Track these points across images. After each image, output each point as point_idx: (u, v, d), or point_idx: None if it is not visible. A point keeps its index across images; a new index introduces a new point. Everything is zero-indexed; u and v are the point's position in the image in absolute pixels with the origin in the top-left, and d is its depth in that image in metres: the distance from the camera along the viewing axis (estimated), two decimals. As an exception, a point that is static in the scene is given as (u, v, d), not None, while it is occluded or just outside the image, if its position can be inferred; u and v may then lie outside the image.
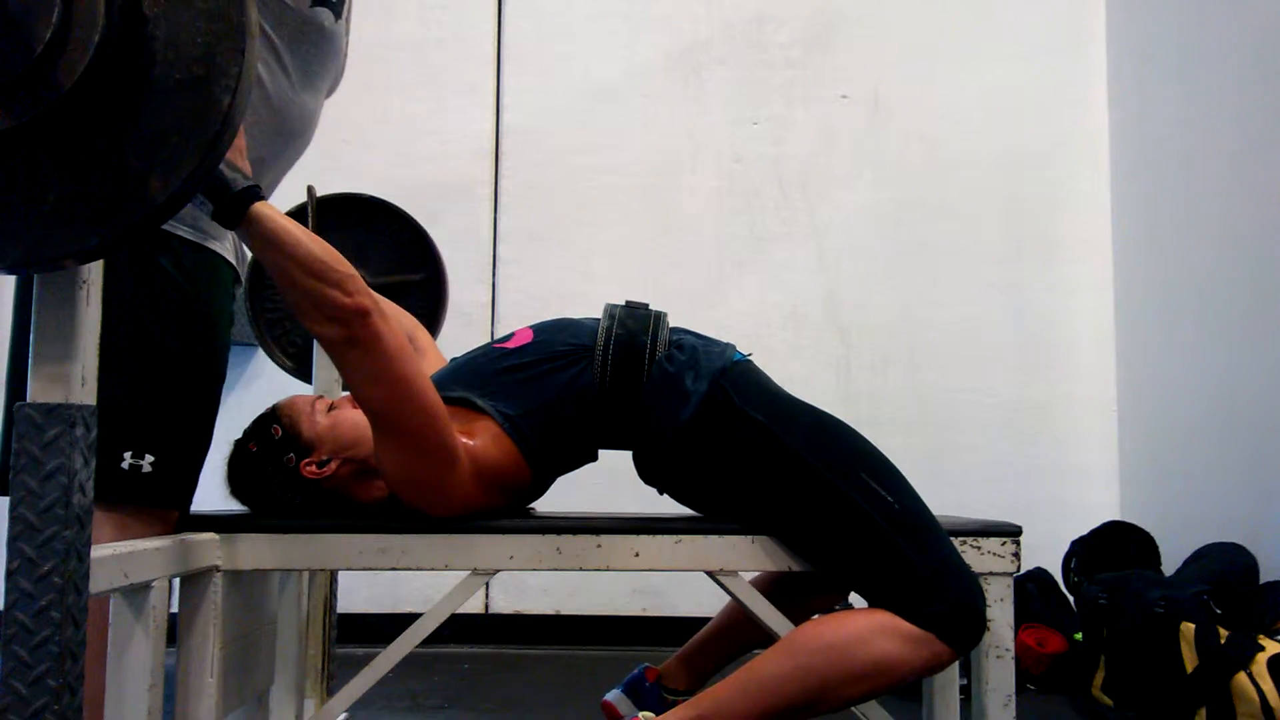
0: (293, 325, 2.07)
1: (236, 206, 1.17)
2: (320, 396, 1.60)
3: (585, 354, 1.49)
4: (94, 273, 0.96)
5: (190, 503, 1.42)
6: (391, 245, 1.95)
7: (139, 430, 1.30)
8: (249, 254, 1.52)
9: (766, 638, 1.50)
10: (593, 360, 1.48)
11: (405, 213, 1.97)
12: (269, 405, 1.61)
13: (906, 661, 1.30)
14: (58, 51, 0.78)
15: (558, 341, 1.51)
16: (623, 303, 1.56)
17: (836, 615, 1.38)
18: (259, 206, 1.20)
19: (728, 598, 1.52)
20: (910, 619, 1.31)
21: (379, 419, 1.35)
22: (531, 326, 1.58)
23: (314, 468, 1.51)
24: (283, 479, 1.52)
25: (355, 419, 1.55)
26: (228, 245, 1.43)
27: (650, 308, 1.56)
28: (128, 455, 1.30)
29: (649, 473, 1.54)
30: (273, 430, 1.54)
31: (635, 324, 1.51)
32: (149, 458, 1.31)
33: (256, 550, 1.41)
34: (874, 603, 1.37)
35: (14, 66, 0.77)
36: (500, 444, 1.44)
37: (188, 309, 1.35)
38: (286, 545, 1.42)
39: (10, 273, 0.88)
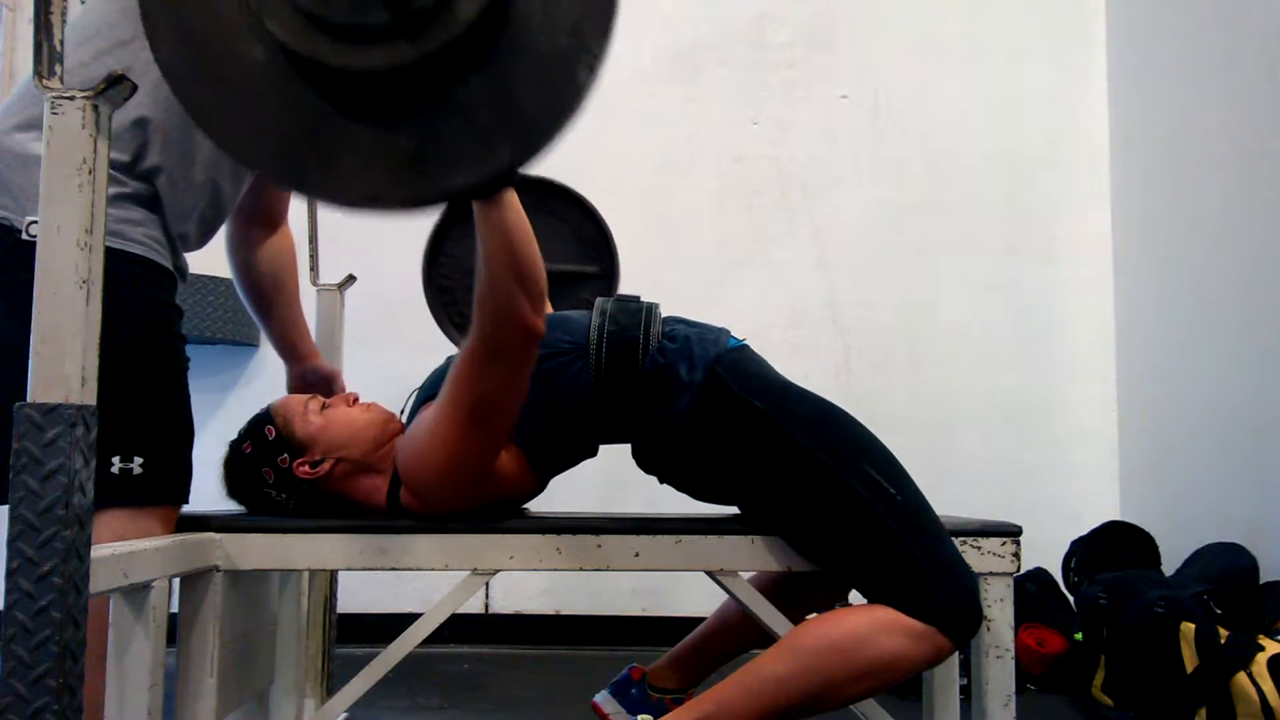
0: (463, 296, 2.06)
1: (504, 183, 1.17)
2: (314, 396, 1.60)
3: (580, 352, 1.49)
4: (94, 272, 0.96)
5: (188, 493, 1.42)
6: (574, 237, 1.99)
7: (123, 434, 1.30)
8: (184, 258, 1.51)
9: (759, 639, 1.50)
10: (587, 357, 1.48)
11: (594, 209, 2.00)
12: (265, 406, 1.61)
13: (909, 657, 1.30)
14: None
15: (551, 337, 1.51)
16: (614, 297, 1.56)
17: (838, 612, 1.38)
18: (510, 193, 1.23)
19: (726, 597, 1.52)
20: (911, 613, 1.30)
21: (454, 410, 1.34)
22: None
23: (307, 467, 1.51)
24: (277, 480, 1.53)
25: (348, 418, 1.55)
26: (153, 247, 1.41)
27: (641, 300, 1.55)
28: (116, 460, 1.30)
29: (648, 462, 1.54)
30: (266, 431, 1.54)
31: (627, 319, 1.51)
32: (138, 459, 1.31)
33: (256, 550, 1.41)
34: (873, 595, 1.37)
35: (420, 1, 0.78)
36: (505, 451, 1.45)
37: (134, 309, 1.34)
38: (286, 545, 1.42)
39: (349, 207, 0.87)
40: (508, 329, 1.27)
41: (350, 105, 0.84)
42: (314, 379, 1.90)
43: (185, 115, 1.36)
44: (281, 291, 1.83)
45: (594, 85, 0.83)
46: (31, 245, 1.23)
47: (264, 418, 1.57)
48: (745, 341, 1.56)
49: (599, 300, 1.55)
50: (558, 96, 0.83)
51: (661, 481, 1.57)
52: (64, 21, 0.96)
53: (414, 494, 1.43)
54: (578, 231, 2.00)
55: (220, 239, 1.68)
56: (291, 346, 1.89)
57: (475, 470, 1.39)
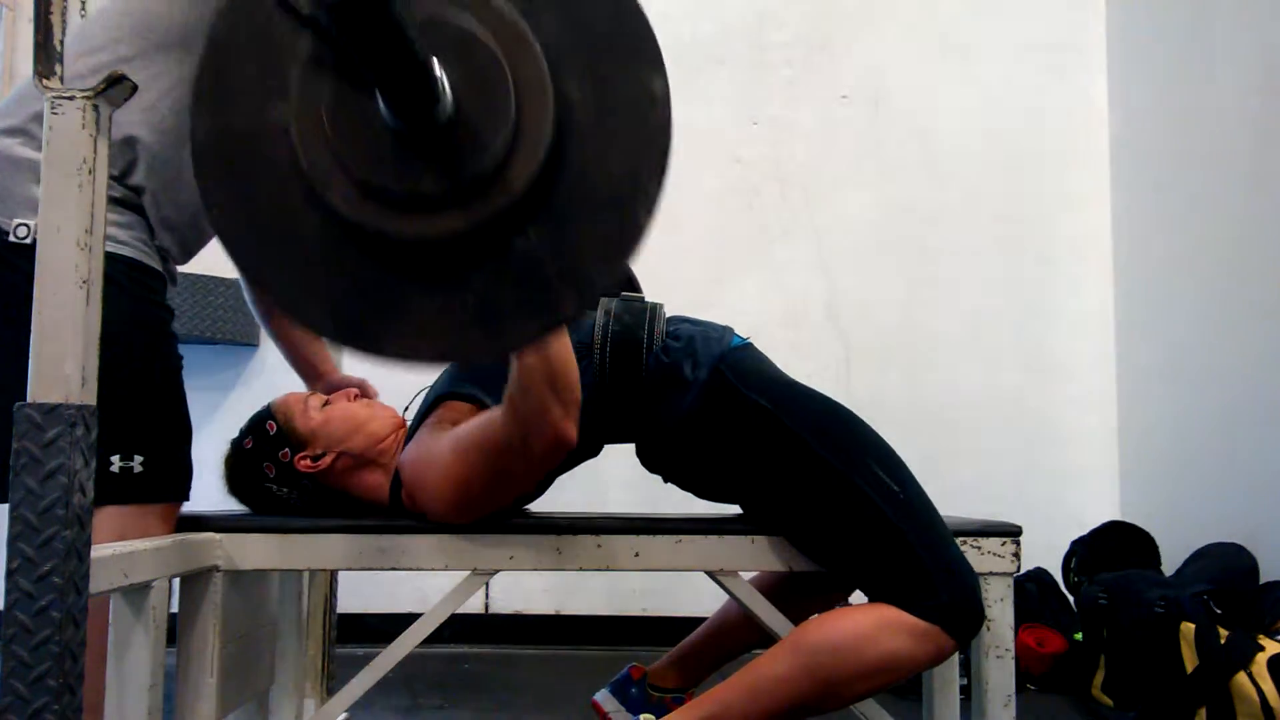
0: None
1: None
2: (314, 393, 1.60)
3: (585, 351, 1.49)
4: (94, 272, 0.96)
5: (189, 490, 1.42)
6: None
7: (122, 432, 1.30)
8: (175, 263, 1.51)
9: (760, 640, 1.50)
10: (591, 357, 1.48)
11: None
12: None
13: (913, 656, 1.30)
14: (511, 158, 0.80)
15: None
16: (618, 297, 1.56)
17: (841, 611, 1.37)
18: None
19: (727, 598, 1.52)
20: (914, 612, 1.30)
21: (468, 467, 1.33)
22: None
23: (309, 461, 1.51)
24: (279, 474, 1.53)
25: (349, 413, 1.55)
26: (141, 249, 1.40)
27: (645, 299, 1.55)
28: (116, 459, 1.30)
29: (652, 461, 1.54)
30: (268, 426, 1.54)
31: (631, 318, 1.50)
32: (138, 458, 1.32)
33: (256, 550, 1.41)
34: (876, 593, 1.37)
35: (476, 168, 0.79)
36: None
37: (129, 309, 1.33)
38: (286, 545, 1.42)
39: (417, 364, 0.89)
40: (538, 437, 1.25)
41: (410, 268, 0.84)
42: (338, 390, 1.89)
43: (177, 141, 1.38)
44: None
45: (652, 224, 0.84)
46: (19, 247, 1.24)
47: (265, 414, 1.57)
48: (749, 340, 1.57)
49: (603, 300, 1.55)
50: (618, 241, 0.84)
51: (666, 480, 1.57)
52: (64, 22, 0.96)
53: (422, 513, 1.43)
54: None
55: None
56: (311, 365, 1.87)
57: (487, 506, 1.39)
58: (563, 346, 1.23)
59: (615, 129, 0.84)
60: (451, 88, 0.79)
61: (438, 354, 0.87)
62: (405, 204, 0.80)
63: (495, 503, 1.38)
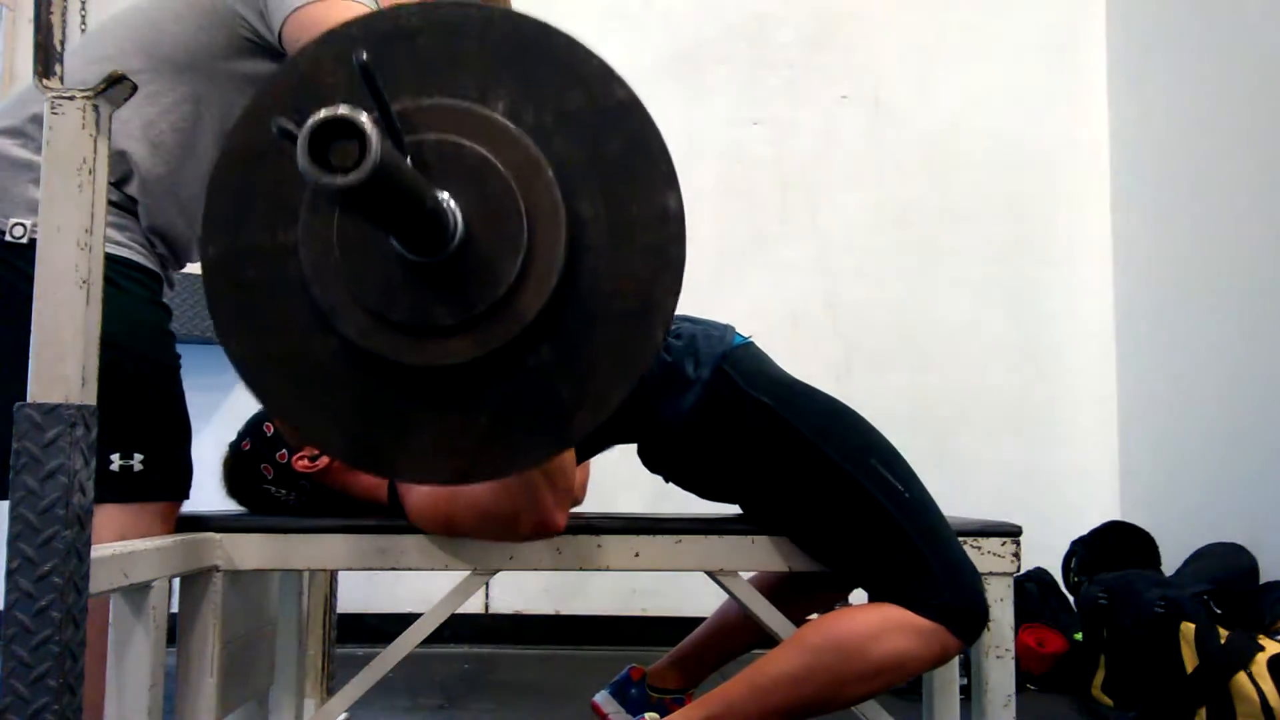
0: None
1: None
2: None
3: None
4: (94, 273, 0.96)
5: (188, 489, 1.42)
6: None
7: (121, 431, 1.30)
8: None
9: (760, 640, 1.49)
10: None
11: None
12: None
13: (918, 656, 1.30)
14: (522, 286, 0.80)
15: None
16: None
17: (845, 611, 1.37)
18: None
19: (726, 597, 1.52)
20: (919, 611, 1.30)
21: (454, 512, 1.34)
22: None
23: (306, 462, 1.52)
24: (277, 476, 1.53)
25: None
26: (138, 250, 1.40)
27: None
28: (115, 457, 1.30)
29: (654, 461, 1.54)
30: (265, 428, 1.54)
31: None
32: (138, 456, 1.32)
33: (256, 550, 1.41)
34: (880, 593, 1.36)
35: (486, 299, 0.79)
36: None
37: (126, 308, 1.33)
38: (286, 545, 1.42)
39: (440, 484, 0.90)
40: (527, 519, 1.27)
41: (424, 392, 0.85)
42: None
43: (171, 159, 1.38)
44: None
45: (666, 337, 0.85)
46: (14, 246, 1.25)
47: (263, 415, 1.57)
48: (751, 339, 1.56)
49: None
50: (632, 357, 0.84)
51: (667, 480, 1.56)
52: (64, 22, 0.96)
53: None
54: None
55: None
56: None
57: (480, 538, 1.40)
58: None
59: (628, 246, 0.84)
60: (462, 213, 0.79)
61: (454, 474, 0.87)
62: (417, 331, 0.80)
63: (477, 539, 1.39)
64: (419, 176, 0.73)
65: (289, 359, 0.87)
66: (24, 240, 1.25)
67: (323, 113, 0.61)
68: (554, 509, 1.26)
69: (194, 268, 1.59)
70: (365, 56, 0.70)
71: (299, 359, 0.86)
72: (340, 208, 0.69)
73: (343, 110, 0.61)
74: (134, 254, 1.38)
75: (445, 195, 0.78)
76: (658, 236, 0.84)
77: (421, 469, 0.87)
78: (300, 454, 1.52)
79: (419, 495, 1.37)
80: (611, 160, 0.85)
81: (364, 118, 0.61)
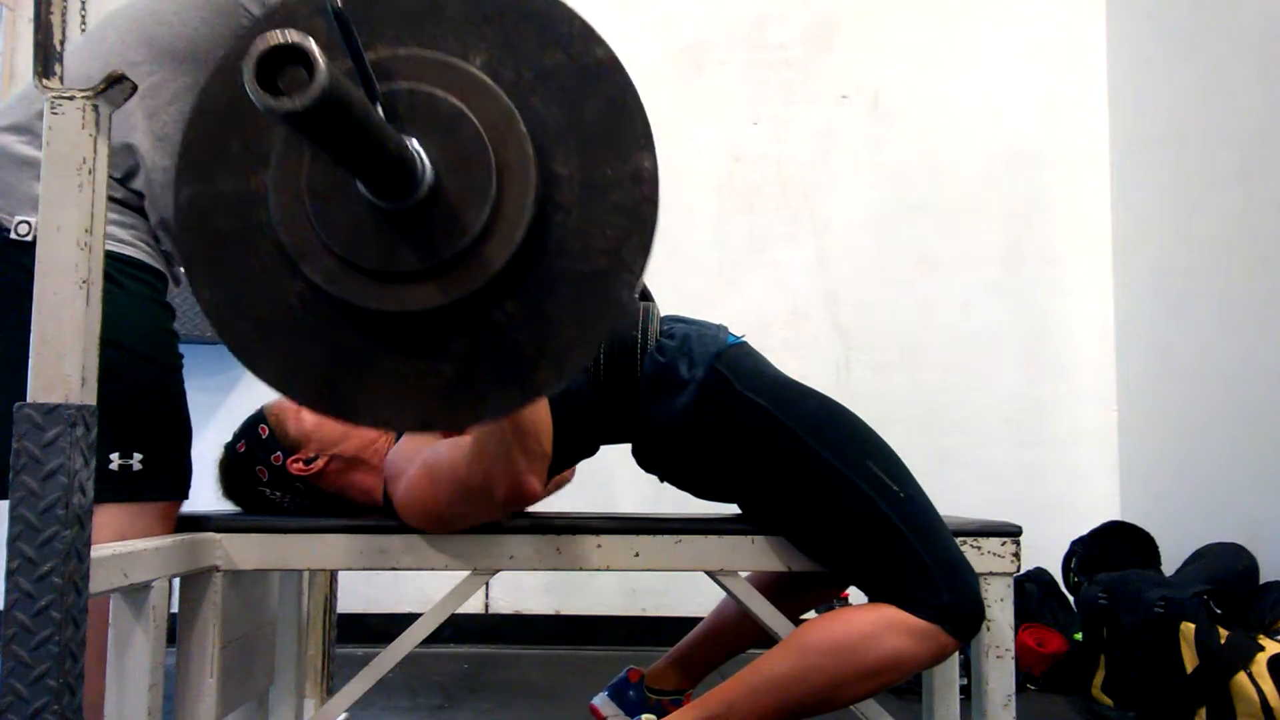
0: None
1: None
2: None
3: None
4: (94, 272, 0.96)
5: (188, 488, 1.42)
6: None
7: (121, 431, 1.30)
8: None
9: (757, 639, 1.49)
10: None
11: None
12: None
13: (915, 656, 1.30)
14: (489, 237, 0.80)
15: None
16: None
17: (842, 611, 1.37)
18: None
19: (723, 597, 1.52)
20: (915, 611, 1.30)
21: (436, 491, 1.34)
22: None
23: (301, 464, 1.52)
24: (272, 478, 1.53)
25: None
26: (142, 248, 1.40)
27: (638, 301, 1.55)
28: (115, 457, 1.30)
29: (649, 461, 1.54)
30: (260, 430, 1.54)
31: (625, 319, 1.50)
32: (137, 456, 1.32)
33: (256, 550, 1.41)
34: (876, 593, 1.37)
35: (453, 247, 0.80)
36: None
37: (128, 307, 1.33)
38: (286, 545, 1.42)
39: (396, 431, 0.90)
40: (500, 485, 1.26)
41: (389, 338, 0.85)
42: None
43: (174, 159, 1.38)
44: None
45: (634, 299, 0.84)
46: (20, 244, 1.25)
47: (258, 418, 1.57)
48: (744, 338, 1.56)
49: None
50: (598, 316, 0.84)
51: (662, 480, 1.56)
52: (64, 22, 0.96)
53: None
54: None
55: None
56: None
57: (454, 526, 1.39)
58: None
59: (600, 206, 0.84)
60: (433, 164, 0.79)
61: (415, 421, 0.87)
62: (383, 277, 0.81)
63: (461, 525, 1.38)
64: (376, 113, 0.73)
65: (257, 303, 0.87)
66: (29, 238, 1.25)
67: (270, 38, 0.62)
68: (527, 473, 1.24)
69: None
70: (339, 3, 0.71)
71: (267, 303, 0.87)
72: (290, 131, 0.70)
73: (290, 37, 0.61)
74: (138, 252, 1.38)
75: (414, 142, 0.78)
76: (630, 197, 0.84)
77: (383, 415, 0.87)
78: (295, 457, 1.52)
79: (404, 487, 1.37)
80: (588, 119, 0.85)
81: (311, 44, 0.61)
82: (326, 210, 0.81)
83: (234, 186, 0.86)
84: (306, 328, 0.86)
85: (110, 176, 1.34)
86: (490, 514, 1.34)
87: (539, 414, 1.24)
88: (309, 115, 0.62)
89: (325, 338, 0.86)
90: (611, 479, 2.14)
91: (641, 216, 0.84)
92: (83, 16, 3.32)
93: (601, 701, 1.67)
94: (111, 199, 1.35)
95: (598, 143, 0.85)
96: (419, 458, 1.36)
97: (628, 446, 1.55)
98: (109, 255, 1.31)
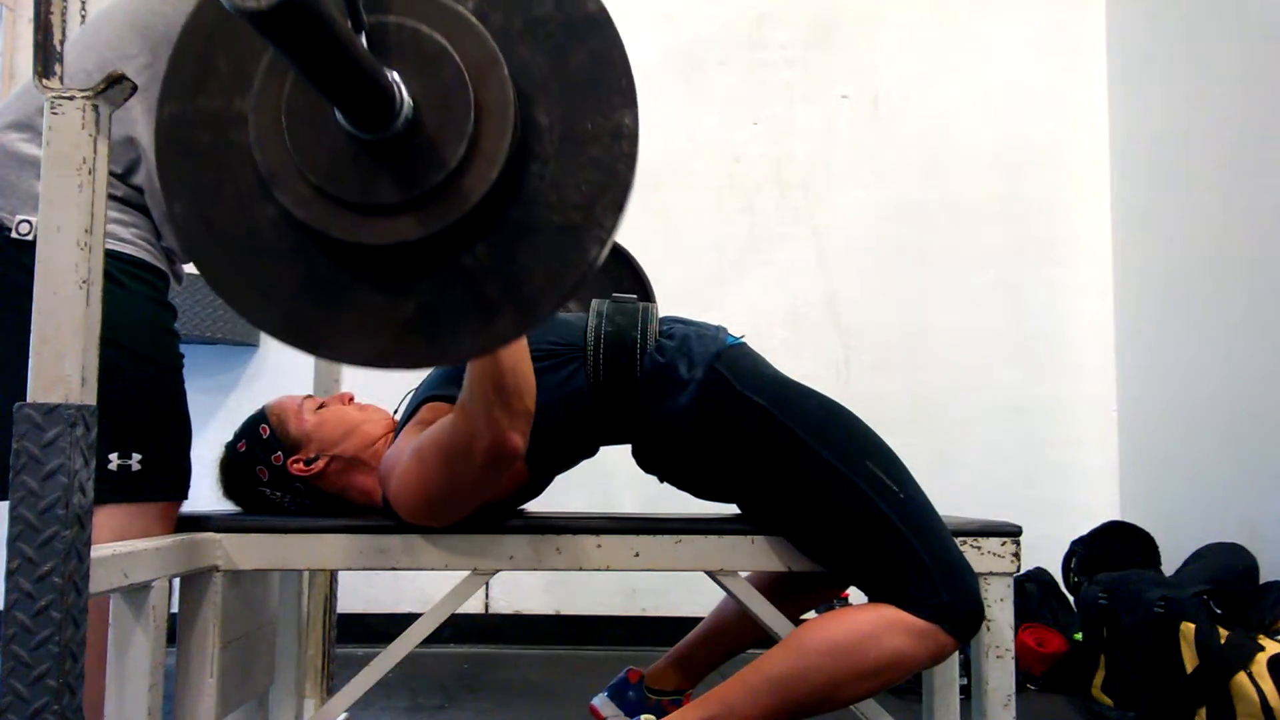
0: None
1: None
2: (309, 396, 1.60)
3: (577, 353, 1.48)
4: (94, 272, 0.96)
5: (188, 489, 1.42)
6: (614, 285, 2.01)
7: (120, 431, 1.30)
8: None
9: (757, 639, 1.49)
10: (584, 359, 1.48)
11: (637, 262, 2.03)
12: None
13: (914, 656, 1.30)
14: (465, 171, 0.80)
15: (548, 341, 1.50)
16: (610, 298, 1.56)
17: (841, 611, 1.37)
18: None
19: (722, 597, 1.52)
20: (915, 611, 1.30)
21: (424, 471, 1.32)
22: None
23: (301, 465, 1.51)
24: (272, 478, 1.53)
25: (342, 416, 1.55)
26: (144, 247, 1.40)
27: (638, 300, 1.55)
28: (114, 457, 1.30)
29: (649, 462, 1.54)
30: (261, 430, 1.54)
31: (624, 319, 1.50)
32: (136, 456, 1.32)
33: (256, 550, 1.41)
34: (876, 593, 1.37)
35: (429, 180, 0.80)
36: None
37: (128, 306, 1.33)
38: (286, 545, 1.42)
39: (353, 365, 0.90)
40: (482, 443, 1.24)
41: (357, 269, 0.85)
42: None
43: None
44: None
45: (603, 258, 0.84)
46: (21, 243, 1.24)
47: (259, 417, 1.57)
48: (743, 339, 1.56)
49: (595, 302, 1.54)
50: (566, 269, 0.83)
51: (661, 481, 1.56)
52: (64, 22, 0.96)
53: (401, 518, 1.42)
54: (618, 284, 2.03)
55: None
56: None
57: (452, 514, 1.37)
58: (514, 356, 1.22)
59: (577, 159, 0.84)
60: (413, 98, 0.79)
61: (373, 355, 0.86)
62: (357, 208, 0.81)
63: (455, 506, 1.36)
64: (355, 38, 0.73)
65: (228, 225, 0.87)
66: (30, 237, 1.24)
67: None
68: (508, 429, 1.23)
69: (191, 266, 1.60)
70: None
71: (237, 226, 0.87)
72: (260, 37, 0.70)
73: None
74: (140, 251, 1.37)
75: (394, 75, 0.79)
76: (608, 153, 0.84)
77: (343, 348, 0.87)
78: (295, 457, 1.52)
79: (396, 478, 1.36)
80: (572, 72, 0.85)
81: None
82: (302, 136, 0.81)
83: (217, 106, 0.86)
84: (275, 254, 0.86)
85: (111, 173, 1.34)
86: (476, 483, 1.30)
87: (521, 371, 1.23)
88: (273, 17, 0.62)
89: (294, 266, 0.86)
90: (611, 479, 2.14)
91: (618, 174, 0.84)
92: (83, 17, 3.31)
93: (601, 702, 1.67)
94: (113, 197, 1.35)
95: (581, 95, 0.85)
96: (405, 450, 1.36)
97: (628, 447, 1.55)
98: (110, 254, 1.31)
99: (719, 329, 1.55)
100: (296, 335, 0.87)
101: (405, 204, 0.80)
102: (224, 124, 0.86)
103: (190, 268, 1.54)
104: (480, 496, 1.35)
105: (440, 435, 1.28)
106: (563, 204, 0.84)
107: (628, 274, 2.03)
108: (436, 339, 0.85)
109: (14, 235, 1.26)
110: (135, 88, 0.97)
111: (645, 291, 2.02)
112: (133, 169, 1.38)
